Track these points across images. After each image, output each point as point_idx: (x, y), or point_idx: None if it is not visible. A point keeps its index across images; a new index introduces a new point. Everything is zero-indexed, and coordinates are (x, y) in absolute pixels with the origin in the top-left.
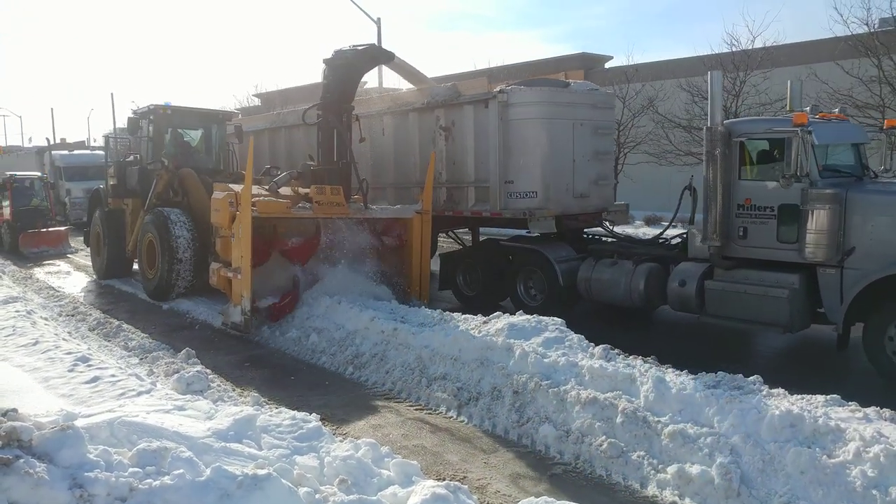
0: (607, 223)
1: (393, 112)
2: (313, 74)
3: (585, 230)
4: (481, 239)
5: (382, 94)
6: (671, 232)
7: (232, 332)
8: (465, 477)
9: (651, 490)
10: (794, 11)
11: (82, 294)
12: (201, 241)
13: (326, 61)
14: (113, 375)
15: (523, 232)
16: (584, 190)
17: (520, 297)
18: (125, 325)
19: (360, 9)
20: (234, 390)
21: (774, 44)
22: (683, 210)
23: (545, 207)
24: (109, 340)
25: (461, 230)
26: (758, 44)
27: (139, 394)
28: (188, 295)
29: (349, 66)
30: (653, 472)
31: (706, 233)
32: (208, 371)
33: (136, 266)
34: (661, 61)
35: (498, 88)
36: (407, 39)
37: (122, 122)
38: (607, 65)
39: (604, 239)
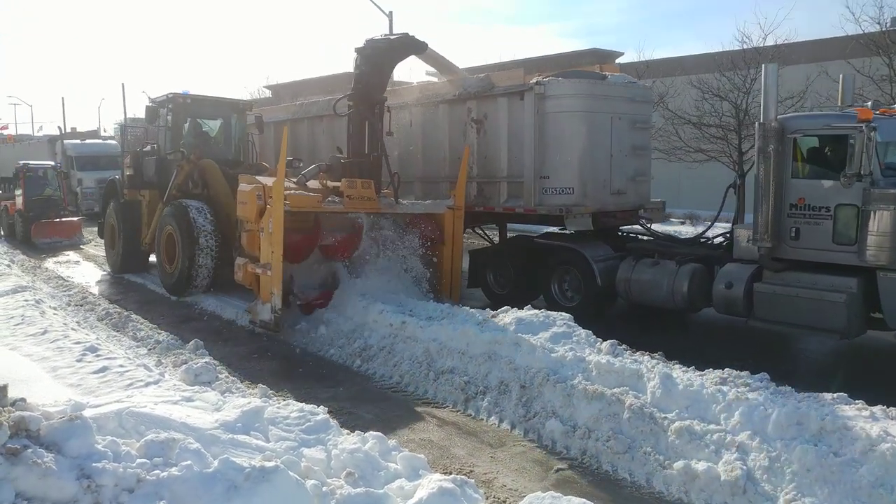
0: (644, 221)
1: (421, 104)
2: (324, 67)
3: (621, 228)
4: (512, 235)
5: (410, 86)
6: (707, 230)
7: (260, 329)
8: (471, 471)
9: (657, 486)
10: (806, 9)
11: (91, 284)
12: (223, 234)
13: (358, 50)
14: (121, 366)
15: (553, 229)
16: (621, 186)
17: (554, 296)
18: (134, 316)
19: (372, 1)
20: (241, 382)
21: (786, 41)
22: (726, 208)
23: (582, 204)
24: (118, 331)
25: (488, 226)
26: (769, 41)
27: (147, 384)
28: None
29: (381, 55)
30: (659, 468)
31: (756, 233)
32: (216, 362)
33: (152, 259)
34: (672, 58)
35: (534, 80)
36: (417, 32)
37: (132, 112)
38: (618, 61)
39: (640, 237)
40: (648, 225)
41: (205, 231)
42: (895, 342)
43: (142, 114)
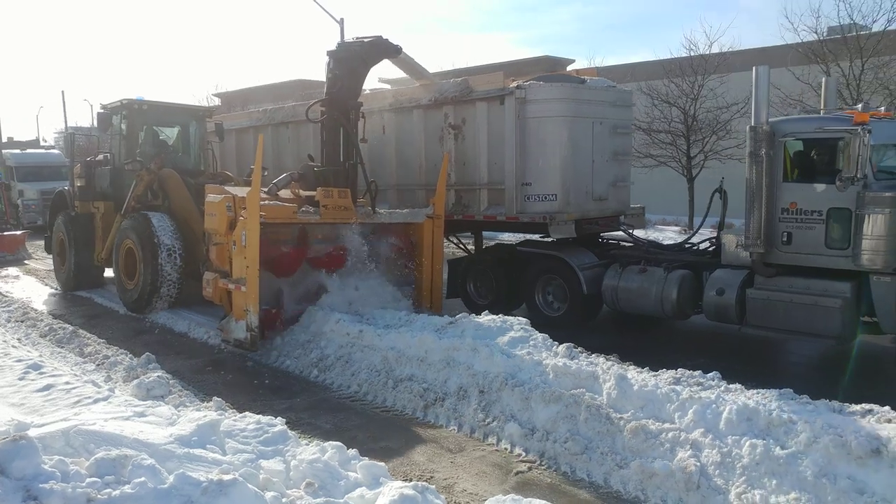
0: (626, 227)
1: (395, 109)
2: (274, 74)
3: (602, 235)
4: (491, 244)
5: (382, 91)
6: (692, 236)
7: (234, 348)
8: (432, 477)
9: (615, 485)
10: (748, 19)
11: (33, 299)
12: (186, 248)
13: (330, 53)
14: (67, 383)
15: (533, 236)
16: (602, 192)
17: (538, 305)
18: (80, 331)
19: (323, 9)
20: (196, 395)
21: (731, 49)
22: (702, 213)
23: (565, 211)
24: (63, 347)
25: (462, 234)
26: (714, 49)
27: (96, 401)
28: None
29: (355, 58)
30: (616, 467)
31: (748, 238)
32: (169, 376)
33: (107, 274)
34: (622, 65)
35: (515, 84)
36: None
37: (73, 121)
38: (569, 68)
39: (622, 244)
40: (630, 231)
41: (168, 244)
42: (883, 345)
43: (84, 122)
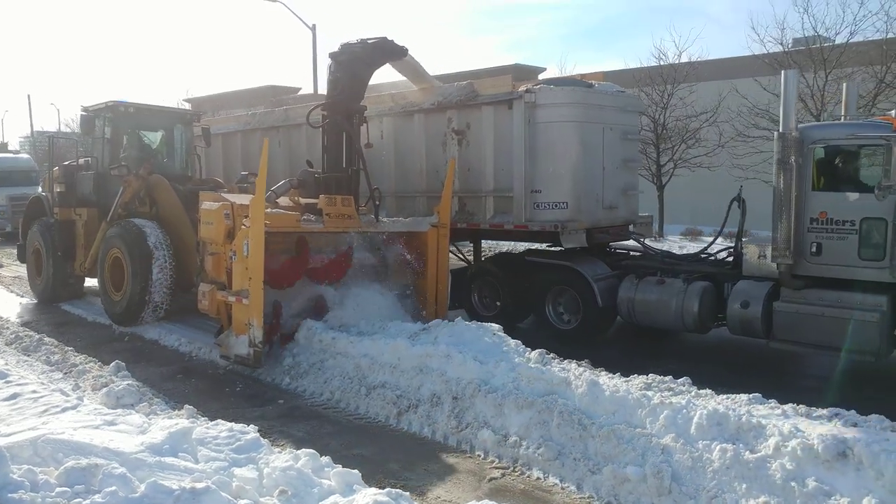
0: (637, 236)
1: (394, 114)
2: (246, 80)
3: (610, 244)
4: (497, 252)
5: (380, 95)
6: (710, 246)
7: (236, 365)
8: (405, 484)
9: (587, 490)
10: (716, 30)
11: None
12: (176, 257)
13: (332, 55)
14: (34, 391)
15: (536, 245)
16: (612, 200)
17: (549, 318)
18: (47, 339)
19: (295, 14)
20: (167, 403)
21: (699, 59)
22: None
23: (576, 219)
24: (29, 355)
25: (460, 242)
26: (683, 59)
27: (64, 410)
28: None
29: (358, 61)
30: (588, 473)
31: (776, 249)
32: (139, 384)
33: (87, 284)
34: (593, 73)
35: (524, 88)
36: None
37: (39, 125)
38: (540, 76)
39: (632, 253)
40: (642, 240)
41: (158, 253)
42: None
43: (50, 126)
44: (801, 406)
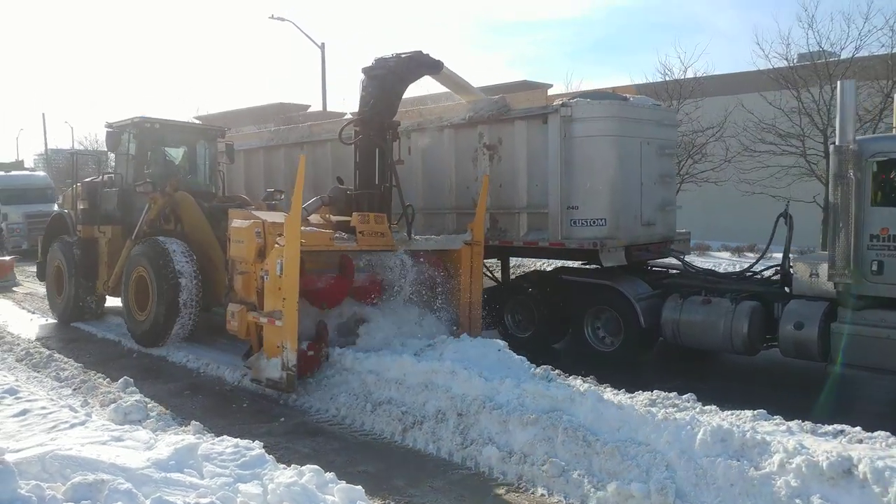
0: (677, 253)
1: (423, 129)
2: (255, 97)
3: (648, 262)
4: (527, 271)
5: (408, 110)
6: (756, 264)
7: (267, 389)
8: (409, 501)
9: None
10: (721, 45)
11: (9, 323)
12: (203, 276)
13: (365, 70)
14: (44, 408)
15: (568, 263)
16: (650, 217)
17: (588, 340)
18: (56, 355)
19: (305, 33)
20: (174, 419)
21: (705, 74)
22: (763, 239)
23: (615, 237)
24: (39, 371)
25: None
26: (689, 74)
27: (72, 426)
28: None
29: (391, 75)
30: (593, 489)
31: (834, 268)
32: (147, 400)
33: (108, 304)
34: (599, 90)
35: (560, 102)
36: (354, 64)
37: (54, 143)
38: (549, 92)
39: (670, 271)
40: (683, 257)
41: (185, 273)
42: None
43: (64, 144)
44: (806, 423)
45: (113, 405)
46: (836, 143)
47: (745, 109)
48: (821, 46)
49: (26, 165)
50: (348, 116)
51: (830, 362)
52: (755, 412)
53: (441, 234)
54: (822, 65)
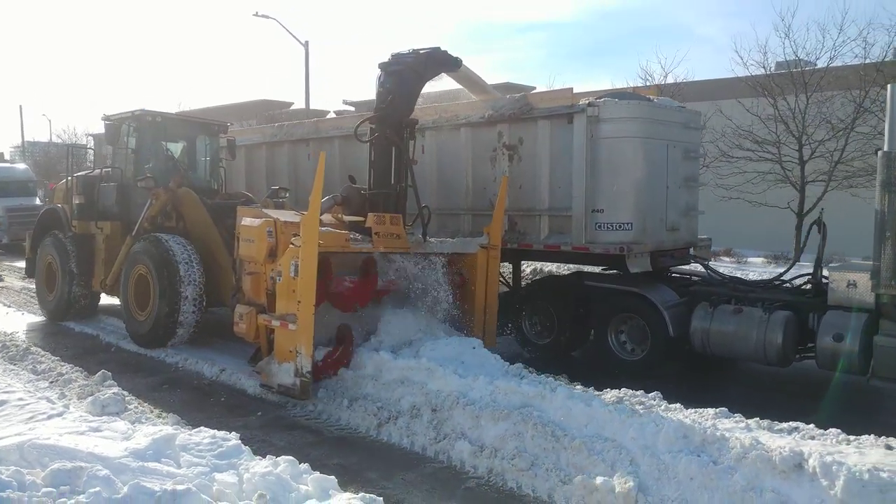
0: (700, 260)
1: (438, 127)
2: (238, 94)
3: (670, 269)
4: (550, 275)
5: (422, 107)
6: (786, 272)
7: (277, 395)
8: (382, 492)
9: (558, 500)
10: (701, 52)
11: None
12: (206, 275)
13: (382, 66)
14: (21, 399)
15: (586, 268)
16: (675, 222)
17: (612, 348)
18: (33, 348)
19: (289, 31)
20: (152, 412)
21: (684, 80)
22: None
23: (641, 242)
24: (15, 364)
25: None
26: (669, 80)
27: (50, 417)
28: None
29: (409, 71)
30: (560, 483)
31: (879, 279)
32: (125, 393)
33: (102, 302)
34: (580, 94)
35: (587, 101)
36: (337, 63)
37: (31, 136)
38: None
39: (692, 278)
40: (706, 263)
41: (189, 272)
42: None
43: (42, 137)
44: (764, 420)
45: (90, 398)
46: (885, 150)
47: (723, 115)
48: (797, 56)
49: (8, 158)
50: (331, 115)
51: (872, 376)
52: (717, 410)
53: (455, 237)
54: (798, 73)
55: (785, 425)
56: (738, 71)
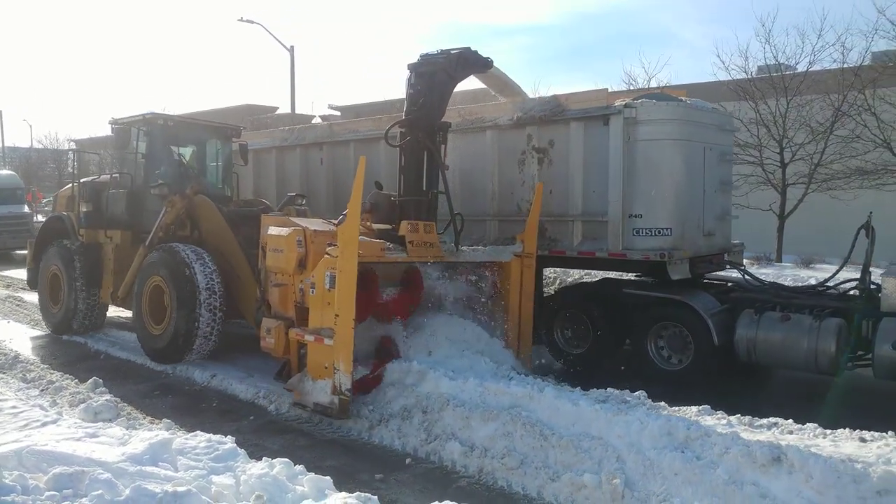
0: (737, 266)
1: (463, 130)
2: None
3: (705, 275)
4: (586, 281)
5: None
6: (832, 278)
7: (315, 414)
8: (375, 492)
9: (548, 497)
10: (684, 56)
11: None
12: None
13: (413, 67)
14: (14, 407)
15: (613, 274)
16: (711, 227)
17: (652, 358)
18: (22, 356)
19: (274, 36)
20: (144, 418)
21: (668, 84)
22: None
23: (680, 248)
24: (5, 373)
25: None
26: (653, 84)
27: (45, 424)
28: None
29: (441, 73)
30: (549, 480)
31: None
32: (117, 400)
33: (110, 314)
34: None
35: (623, 102)
36: (321, 68)
37: (11, 141)
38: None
39: (728, 284)
40: (743, 268)
41: (209, 283)
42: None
43: (22, 143)
44: (745, 416)
45: (83, 405)
46: None
47: None
48: (776, 60)
49: None
50: (317, 120)
51: None
52: (700, 408)
53: (481, 243)
54: (778, 77)
55: (765, 421)
56: (721, 75)
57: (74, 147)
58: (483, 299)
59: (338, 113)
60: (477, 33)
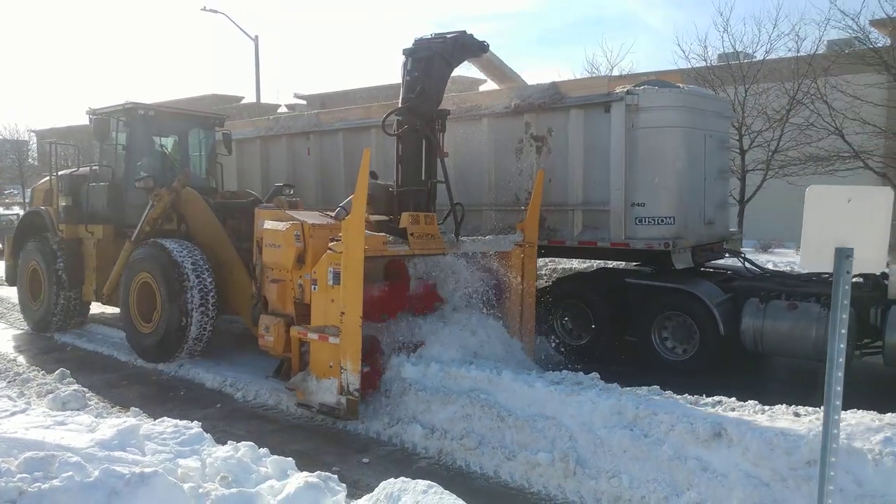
0: (735, 254)
1: (457, 118)
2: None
3: (704, 264)
4: (589, 270)
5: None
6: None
7: (320, 415)
8: (338, 473)
9: (503, 476)
10: (645, 44)
11: None
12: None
13: (408, 52)
14: None
15: (612, 264)
16: (711, 215)
17: (656, 349)
18: None
19: (238, 26)
20: (112, 407)
21: (630, 73)
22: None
23: (683, 237)
24: None
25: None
26: (615, 72)
27: (13, 413)
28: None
29: (437, 58)
30: (505, 459)
31: None
32: (85, 390)
33: (93, 311)
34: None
35: (625, 89)
36: (285, 57)
37: None
38: (481, 87)
39: (728, 273)
40: (745, 257)
41: (199, 278)
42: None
43: None
44: (691, 396)
45: (51, 395)
46: None
47: None
48: (734, 48)
49: None
50: (283, 109)
51: None
52: (649, 388)
53: (478, 233)
54: (736, 66)
55: (709, 399)
56: (681, 63)
57: (35, 137)
58: (492, 292)
59: (304, 102)
60: (441, 22)
